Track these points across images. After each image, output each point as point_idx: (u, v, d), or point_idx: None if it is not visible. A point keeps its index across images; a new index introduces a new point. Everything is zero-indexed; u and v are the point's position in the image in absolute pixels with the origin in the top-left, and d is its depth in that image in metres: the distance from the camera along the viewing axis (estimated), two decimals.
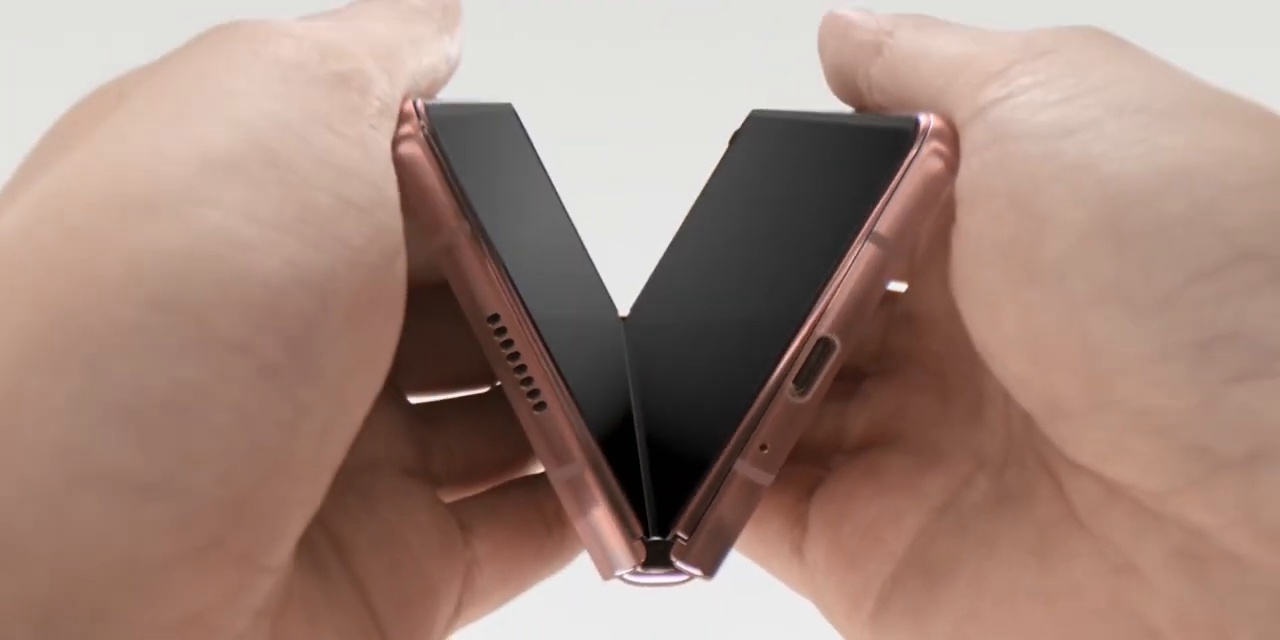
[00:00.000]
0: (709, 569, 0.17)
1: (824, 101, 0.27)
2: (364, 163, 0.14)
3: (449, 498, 0.19)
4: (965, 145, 0.15)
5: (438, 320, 0.17)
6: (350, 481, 0.16)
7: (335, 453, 0.13)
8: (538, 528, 0.19)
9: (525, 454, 0.19)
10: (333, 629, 0.14)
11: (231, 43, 0.13)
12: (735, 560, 0.18)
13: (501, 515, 0.19)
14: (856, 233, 0.16)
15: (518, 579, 0.19)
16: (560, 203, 0.30)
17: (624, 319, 0.29)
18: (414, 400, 0.20)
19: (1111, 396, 0.12)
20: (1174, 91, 0.13)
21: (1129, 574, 0.12)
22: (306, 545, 0.14)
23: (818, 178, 0.19)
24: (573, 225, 0.30)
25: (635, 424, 0.21)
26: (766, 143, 0.27)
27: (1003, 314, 0.13)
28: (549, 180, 0.29)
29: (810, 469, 0.19)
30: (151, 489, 0.10)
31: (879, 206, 0.16)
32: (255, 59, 0.13)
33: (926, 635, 0.15)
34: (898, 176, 0.16)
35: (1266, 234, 0.11)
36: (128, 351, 0.10)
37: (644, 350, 0.25)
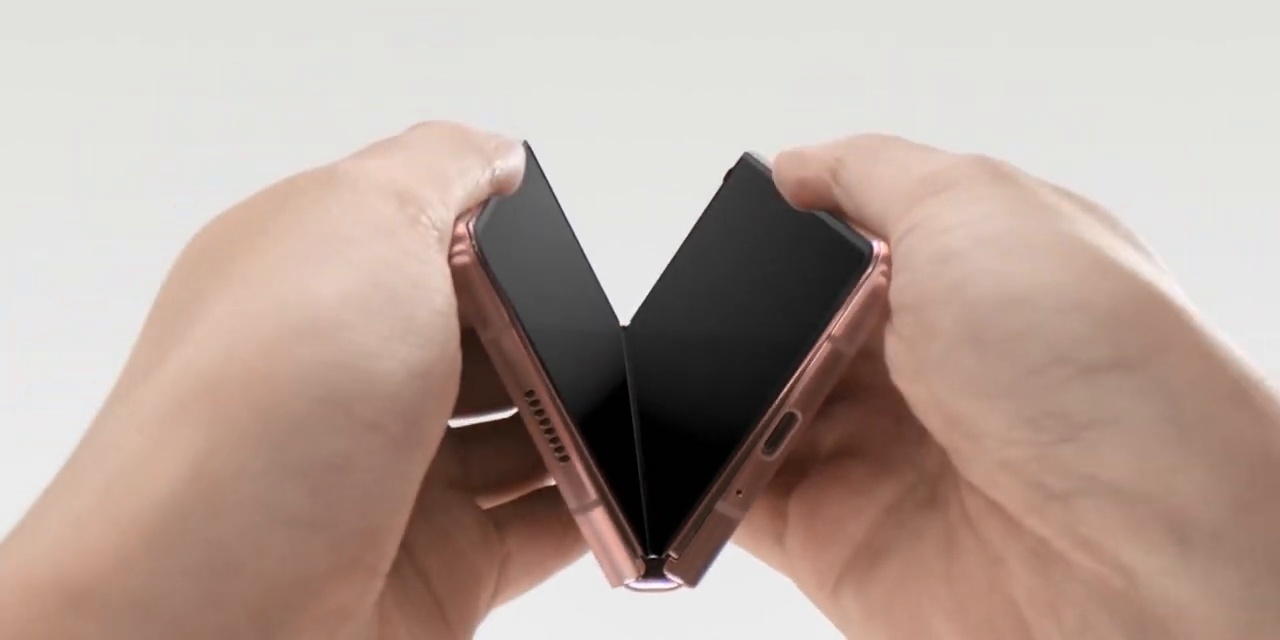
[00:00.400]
0: (693, 581, 0.22)
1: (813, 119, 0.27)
2: (438, 279, 0.19)
3: (486, 504, 0.25)
4: (894, 264, 0.20)
5: (469, 362, 0.21)
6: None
7: (419, 487, 0.18)
8: (557, 528, 0.24)
9: (544, 469, 0.24)
10: (412, 611, 0.20)
11: (336, 194, 0.18)
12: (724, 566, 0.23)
13: (528, 518, 0.24)
14: (819, 334, 0.21)
15: (541, 569, 0.24)
16: (571, 234, 0.34)
17: (625, 328, 0.35)
18: (453, 424, 0.25)
19: (982, 449, 0.17)
20: (1023, 229, 0.18)
21: (1000, 565, 0.18)
22: None
23: (791, 269, 0.25)
24: (581, 255, 0.35)
25: (638, 464, 0.26)
26: (753, 201, 0.31)
27: (914, 385, 0.19)
28: (561, 213, 0.34)
29: (788, 477, 0.24)
30: (317, 526, 0.15)
31: (837, 315, 0.21)
32: (358, 210, 0.18)
33: (867, 602, 0.21)
34: (854, 293, 0.21)
35: (1073, 344, 0.16)
36: (302, 433, 0.15)
37: (644, 391, 0.30)
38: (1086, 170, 0.92)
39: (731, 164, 0.34)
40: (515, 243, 0.24)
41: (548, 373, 0.21)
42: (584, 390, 0.24)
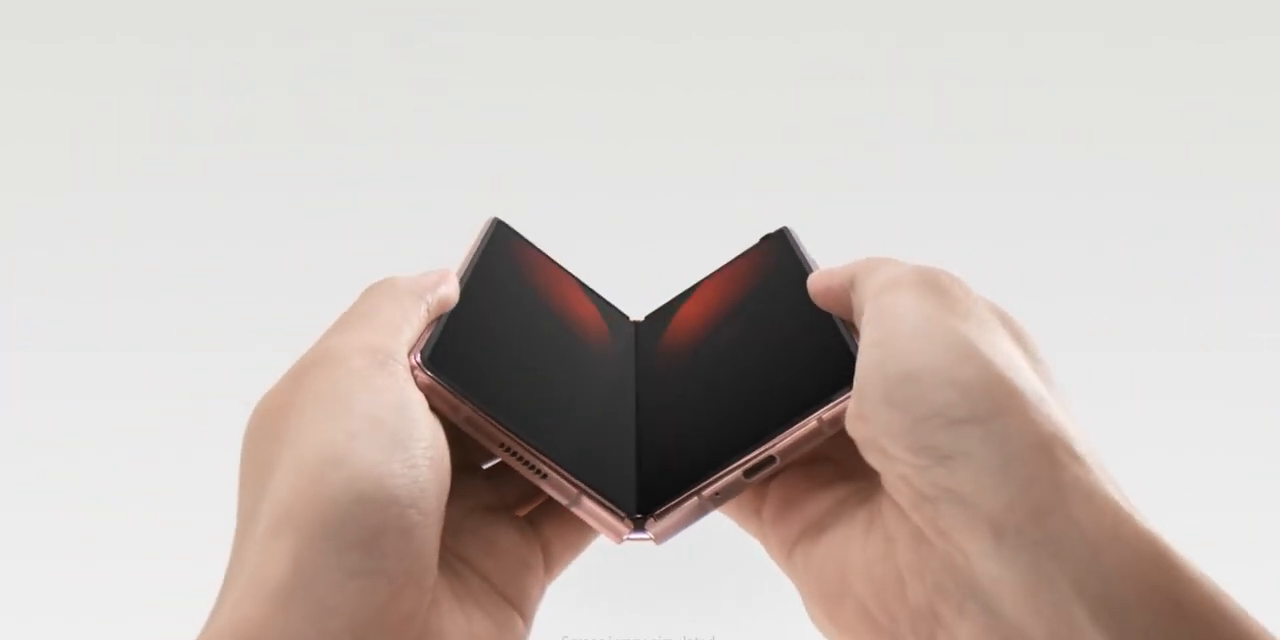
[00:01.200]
0: (660, 541, 0.30)
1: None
2: (419, 408, 0.27)
3: (521, 513, 0.33)
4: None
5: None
6: (461, 525, 0.31)
7: (439, 531, 0.27)
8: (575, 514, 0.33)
9: None
10: (473, 601, 0.29)
11: (330, 367, 0.27)
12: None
13: (555, 510, 0.33)
14: (812, 412, 0.29)
15: (575, 544, 0.33)
16: (553, 271, 0.42)
17: (637, 323, 0.43)
18: (485, 466, 0.35)
19: (890, 467, 0.25)
20: (926, 326, 0.26)
21: (893, 543, 0.26)
22: (445, 567, 0.29)
23: (808, 346, 0.32)
24: (568, 282, 0.43)
25: (635, 443, 0.34)
26: (784, 273, 0.39)
27: (857, 427, 0.27)
28: (536, 263, 0.42)
29: None
30: (375, 573, 0.24)
31: (831, 404, 0.28)
32: (348, 374, 0.27)
33: (810, 562, 0.29)
34: (845, 395, 0.28)
35: (945, 405, 0.24)
36: (347, 522, 0.24)
37: (649, 386, 0.38)
38: (1086, 169, 0.92)
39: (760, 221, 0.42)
40: (476, 331, 0.32)
41: (509, 429, 0.29)
42: (559, 413, 0.32)
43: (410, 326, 0.30)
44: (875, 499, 0.28)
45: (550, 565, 0.33)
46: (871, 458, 0.26)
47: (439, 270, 0.33)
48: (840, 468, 0.31)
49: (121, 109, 0.89)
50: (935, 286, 0.27)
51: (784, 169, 0.87)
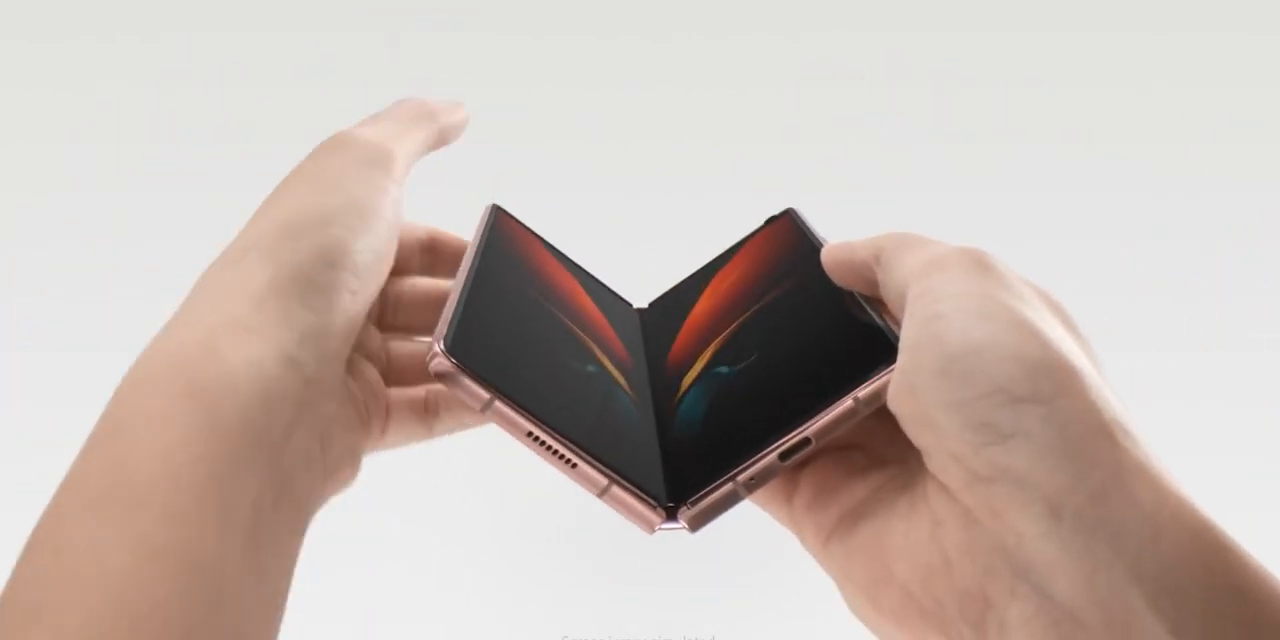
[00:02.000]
0: (695, 529, 0.29)
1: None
2: (386, 201, 0.31)
3: (390, 386, 0.35)
4: (903, 319, 0.28)
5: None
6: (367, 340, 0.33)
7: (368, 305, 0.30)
8: (420, 412, 0.35)
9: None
10: (353, 406, 0.31)
11: (341, 150, 0.32)
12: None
13: (404, 397, 0.35)
14: (847, 393, 0.28)
15: (406, 430, 0.34)
16: (558, 261, 0.42)
17: (640, 310, 0.43)
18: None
19: (941, 445, 0.25)
20: (986, 303, 0.26)
21: (941, 526, 0.26)
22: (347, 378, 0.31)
23: (834, 328, 0.32)
24: (576, 273, 0.42)
25: (661, 434, 0.34)
26: (795, 254, 0.38)
27: (903, 402, 0.26)
28: (542, 253, 0.41)
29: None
30: (326, 310, 0.28)
31: (866, 384, 0.28)
32: (351, 160, 0.31)
33: (849, 549, 0.28)
34: (883, 373, 0.28)
35: (1007, 381, 0.24)
36: (306, 267, 0.28)
37: (663, 374, 0.37)
38: (1086, 169, 0.92)
39: (767, 209, 0.41)
40: (492, 318, 0.32)
41: (536, 416, 0.28)
42: (581, 402, 0.31)
43: (415, 139, 0.34)
44: (916, 483, 0.28)
45: (387, 430, 0.34)
46: (918, 434, 0.26)
47: (457, 101, 0.37)
48: (873, 456, 0.31)
49: (122, 109, 0.89)
50: (985, 266, 0.27)
51: (784, 169, 0.87)
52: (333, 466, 0.29)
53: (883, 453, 0.30)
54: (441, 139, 0.36)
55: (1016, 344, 0.24)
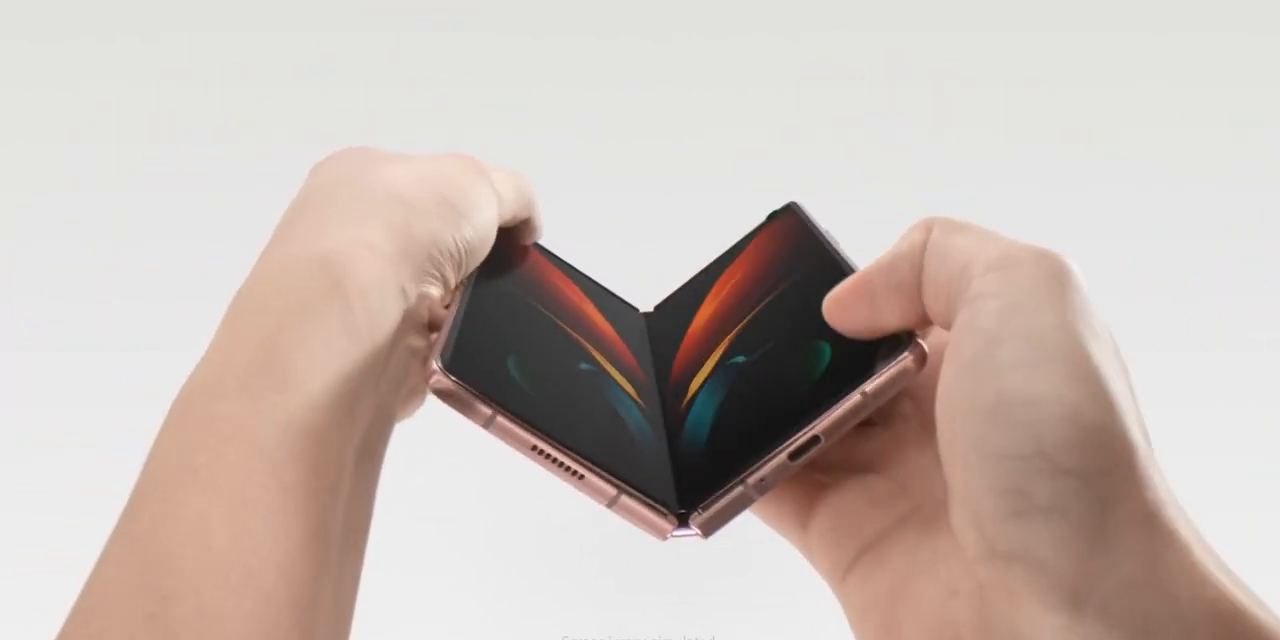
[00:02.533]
0: (707, 534, 0.28)
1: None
2: (488, 197, 0.34)
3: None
4: (958, 321, 0.24)
5: None
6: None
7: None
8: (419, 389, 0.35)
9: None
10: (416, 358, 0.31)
11: (454, 159, 0.34)
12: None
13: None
14: (855, 388, 0.27)
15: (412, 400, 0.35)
16: (561, 269, 0.42)
17: (646, 314, 0.42)
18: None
19: (965, 496, 0.23)
20: (1057, 336, 0.22)
21: (955, 597, 0.23)
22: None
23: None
24: (580, 280, 0.42)
25: (669, 438, 0.33)
26: (801, 249, 0.37)
27: (947, 418, 0.24)
28: (544, 263, 0.41)
29: (819, 475, 0.30)
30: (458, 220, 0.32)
31: (874, 378, 0.27)
32: (460, 170, 0.34)
33: (865, 596, 0.27)
34: (892, 366, 0.27)
35: (1055, 447, 0.21)
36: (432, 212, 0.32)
37: (671, 379, 0.37)
38: (1086, 169, 0.92)
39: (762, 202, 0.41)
40: (491, 331, 0.32)
41: (540, 430, 0.28)
42: (586, 411, 0.31)
43: (490, 194, 0.35)
44: (936, 531, 0.26)
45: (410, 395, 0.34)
46: (948, 458, 0.24)
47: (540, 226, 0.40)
48: (895, 480, 0.29)
49: (122, 109, 0.89)
50: (1064, 281, 0.24)
51: (784, 169, 0.87)
52: (405, 394, 0.31)
53: (907, 477, 0.29)
54: (514, 220, 0.37)
55: (1076, 404, 0.22)
